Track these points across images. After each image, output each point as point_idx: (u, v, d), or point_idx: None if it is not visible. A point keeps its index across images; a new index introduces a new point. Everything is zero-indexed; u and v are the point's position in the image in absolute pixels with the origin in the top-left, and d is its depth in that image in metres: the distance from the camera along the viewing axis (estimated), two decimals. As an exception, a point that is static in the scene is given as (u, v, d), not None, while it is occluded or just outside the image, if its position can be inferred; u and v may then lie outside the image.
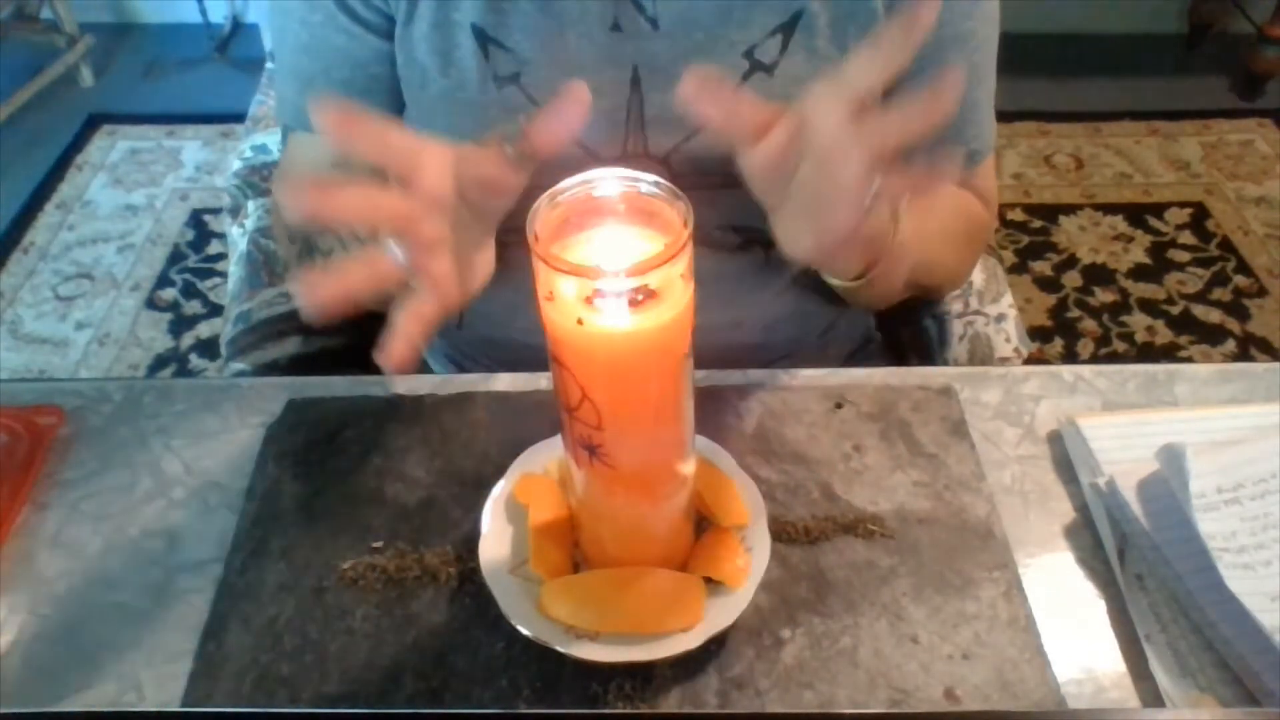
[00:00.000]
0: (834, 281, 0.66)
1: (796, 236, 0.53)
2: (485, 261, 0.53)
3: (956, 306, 0.87)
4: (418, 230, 0.46)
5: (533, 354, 0.67)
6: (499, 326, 0.75)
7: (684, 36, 0.65)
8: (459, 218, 0.48)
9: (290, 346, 0.85)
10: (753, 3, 0.64)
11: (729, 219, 0.70)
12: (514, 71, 0.65)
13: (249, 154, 0.99)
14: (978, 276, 0.88)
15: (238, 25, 2.57)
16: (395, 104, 0.72)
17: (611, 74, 0.65)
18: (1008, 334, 0.85)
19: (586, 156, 0.66)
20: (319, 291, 0.44)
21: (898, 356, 0.90)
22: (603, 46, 0.65)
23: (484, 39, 0.65)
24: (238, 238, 0.95)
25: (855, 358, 0.86)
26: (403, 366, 0.47)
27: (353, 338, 0.90)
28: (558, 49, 0.65)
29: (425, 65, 0.67)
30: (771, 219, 0.54)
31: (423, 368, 0.84)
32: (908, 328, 0.91)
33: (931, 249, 0.69)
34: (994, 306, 0.87)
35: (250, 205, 0.96)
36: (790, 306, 0.76)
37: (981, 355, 0.85)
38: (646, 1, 0.64)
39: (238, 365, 0.85)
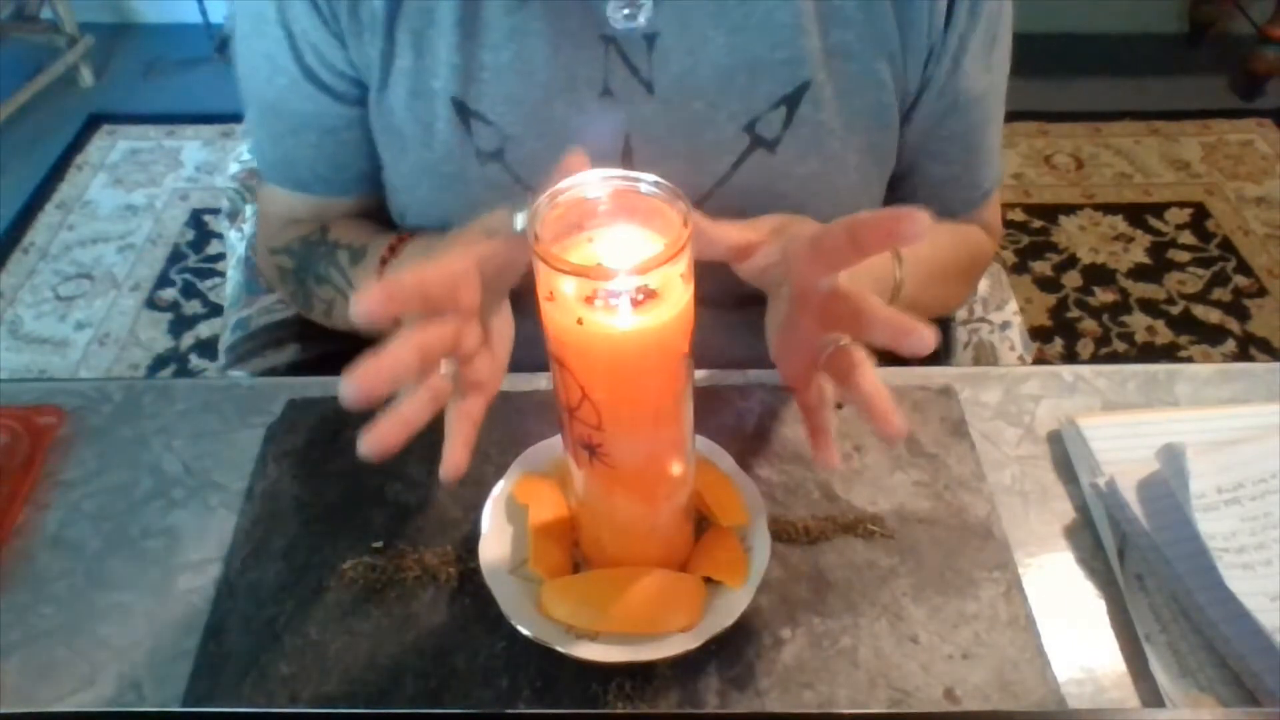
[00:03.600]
0: None
1: (772, 341, 0.53)
2: (507, 324, 0.52)
3: (961, 314, 0.87)
4: (463, 344, 0.46)
5: (523, 355, 0.66)
6: None
7: (681, 104, 0.61)
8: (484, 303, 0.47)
9: (289, 354, 0.85)
10: (756, 70, 0.61)
11: (727, 286, 0.66)
12: (497, 147, 0.62)
13: (246, 157, 0.99)
14: (982, 284, 0.88)
15: (238, 25, 2.57)
16: (373, 163, 0.69)
17: (601, 145, 0.61)
18: (1012, 341, 0.85)
19: None
20: (366, 381, 0.42)
21: (900, 362, 0.90)
22: (592, 114, 0.61)
23: (464, 112, 0.61)
24: (236, 242, 0.94)
25: None
26: (462, 471, 0.47)
27: (351, 344, 0.89)
28: (543, 120, 0.61)
29: (405, 134, 0.64)
30: (768, 304, 0.54)
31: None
32: None
33: (932, 289, 0.69)
34: (998, 314, 0.87)
35: (248, 209, 0.95)
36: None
37: (985, 363, 0.84)
38: (641, 63, 0.60)
39: (236, 373, 0.84)
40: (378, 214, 0.73)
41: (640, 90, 0.61)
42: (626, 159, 0.63)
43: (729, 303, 0.61)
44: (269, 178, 0.72)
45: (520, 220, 0.47)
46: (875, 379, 0.46)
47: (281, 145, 0.69)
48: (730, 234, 0.51)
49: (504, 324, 0.51)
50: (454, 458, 0.47)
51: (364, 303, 0.40)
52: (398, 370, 0.42)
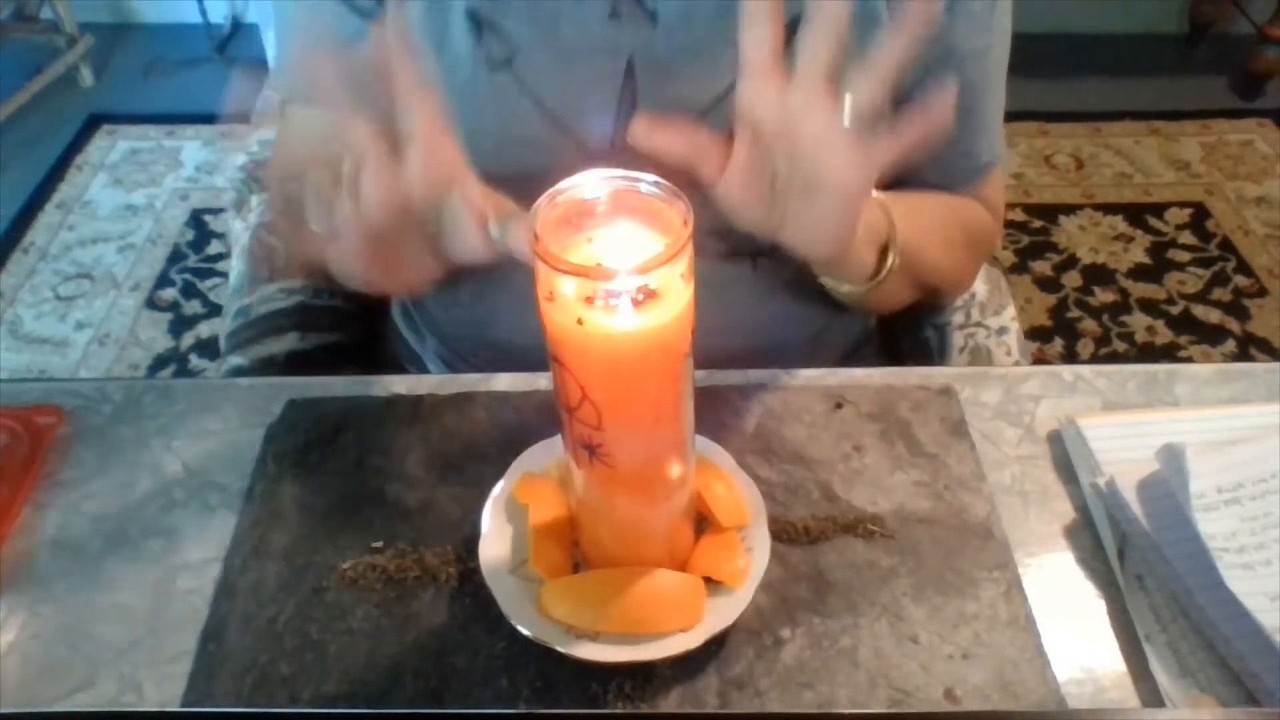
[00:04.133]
0: (846, 288, 0.66)
1: (811, 239, 0.54)
2: (419, 271, 0.55)
3: (958, 318, 0.87)
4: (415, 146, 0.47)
5: (521, 353, 0.67)
6: (484, 327, 0.75)
7: (682, 31, 0.64)
8: (425, 225, 0.49)
9: (288, 342, 0.86)
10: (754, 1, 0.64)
11: (715, 223, 0.68)
12: (507, 56, 0.65)
13: (255, 148, 1.00)
14: (980, 288, 0.88)
15: (238, 25, 2.57)
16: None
17: (605, 63, 0.64)
18: (1009, 347, 0.85)
19: (576, 146, 0.66)
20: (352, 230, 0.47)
21: (895, 363, 0.90)
22: (598, 35, 0.64)
23: (478, 22, 0.64)
24: (240, 231, 0.95)
25: (850, 360, 0.86)
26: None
27: (350, 334, 0.90)
28: (553, 35, 0.64)
29: (418, 46, 0.66)
30: (781, 239, 0.55)
31: (420, 368, 0.84)
32: (908, 336, 0.90)
33: (930, 247, 0.69)
34: (996, 319, 0.87)
35: (254, 200, 0.96)
36: (779, 312, 0.75)
37: (982, 367, 0.84)
38: None
39: (235, 360, 0.85)
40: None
41: (644, 19, 0.64)
42: (629, 78, 0.65)
43: (712, 256, 0.62)
44: (290, 95, 0.75)
45: (495, 229, 0.47)
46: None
47: (305, 61, 0.72)
48: (709, 140, 0.52)
49: (419, 266, 0.54)
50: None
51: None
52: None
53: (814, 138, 0.50)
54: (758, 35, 0.48)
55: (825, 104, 0.49)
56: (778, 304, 0.74)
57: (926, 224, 0.69)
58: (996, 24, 0.68)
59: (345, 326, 0.89)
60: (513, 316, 0.70)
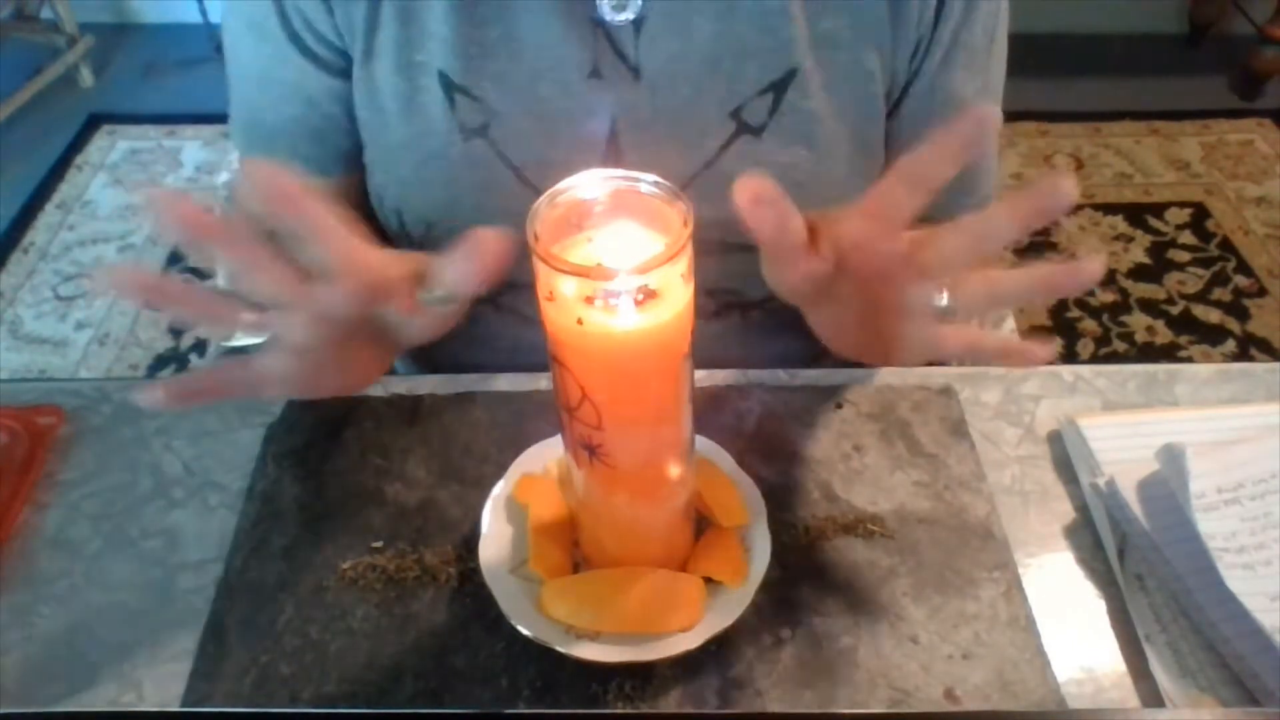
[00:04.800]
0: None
1: (845, 345, 0.51)
2: (366, 371, 0.51)
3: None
4: (304, 321, 0.44)
5: (523, 355, 0.66)
6: (477, 349, 0.71)
7: (668, 90, 0.61)
8: (360, 325, 0.45)
9: None
10: (743, 57, 0.60)
11: (704, 284, 0.64)
12: (482, 123, 0.62)
13: (237, 165, 1.00)
14: None
15: (238, 25, 2.57)
16: (353, 142, 0.68)
17: (587, 126, 0.61)
18: None
19: None
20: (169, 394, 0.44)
21: None
22: (579, 96, 0.61)
23: (450, 87, 0.61)
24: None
25: (851, 363, 0.85)
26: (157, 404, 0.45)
27: None
28: (531, 98, 0.61)
29: (387, 110, 0.63)
30: (806, 314, 0.51)
31: (416, 369, 0.83)
32: None
33: None
34: (994, 324, 0.86)
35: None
36: (770, 355, 0.71)
37: None
38: (629, 49, 0.60)
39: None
40: (358, 205, 0.72)
41: (628, 75, 0.61)
42: (613, 142, 0.62)
43: (703, 314, 0.60)
44: (247, 154, 0.71)
45: (423, 296, 0.44)
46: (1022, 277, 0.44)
47: (263, 120, 0.68)
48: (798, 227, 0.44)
49: (364, 369, 0.51)
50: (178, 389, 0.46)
51: (261, 174, 0.40)
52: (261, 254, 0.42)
53: (903, 299, 0.45)
54: (909, 191, 0.42)
55: (923, 275, 0.45)
56: (770, 350, 0.72)
57: None
58: (994, 55, 0.66)
59: None
60: (506, 337, 0.69)
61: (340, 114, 0.66)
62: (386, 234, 0.69)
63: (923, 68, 0.64)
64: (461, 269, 0.43)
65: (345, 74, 0.64)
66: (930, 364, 0.50)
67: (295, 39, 0.63)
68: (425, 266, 0.45)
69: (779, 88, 0.61)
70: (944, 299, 0.45)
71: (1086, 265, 0.42)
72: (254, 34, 0.64)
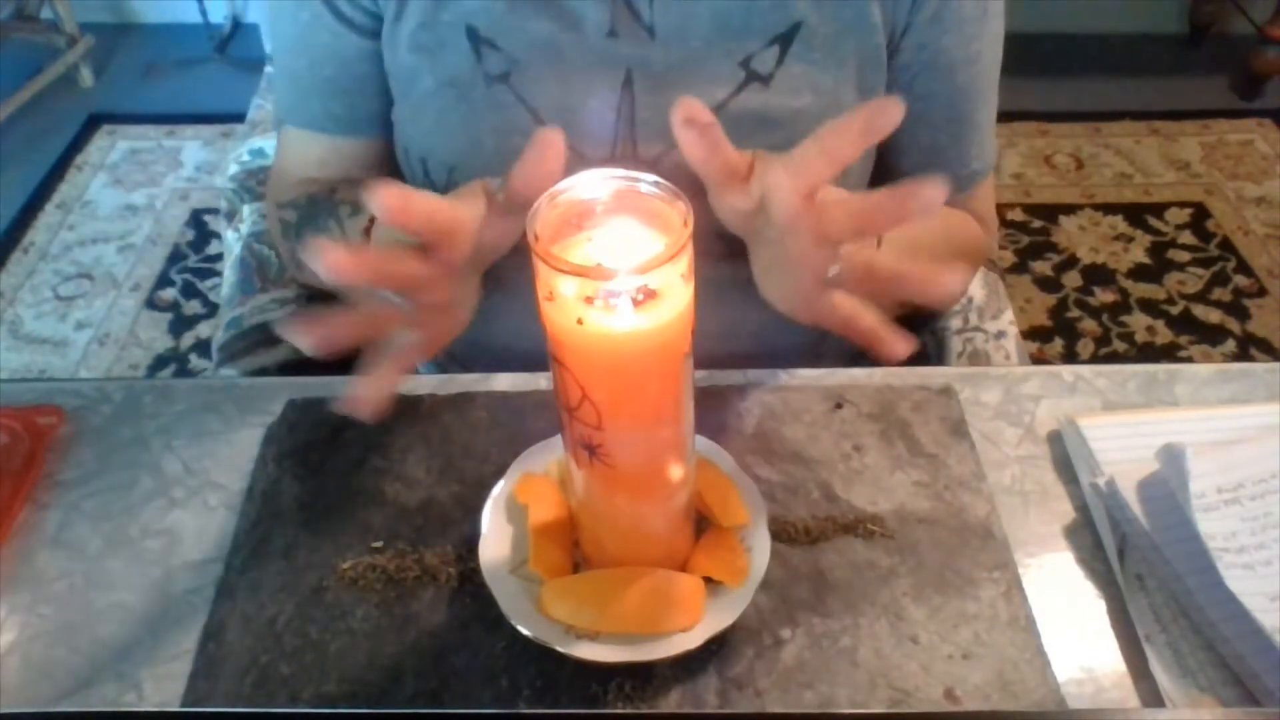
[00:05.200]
0: None
1: (766, 287, 0.56)
2: (471, 299, 0.55)
3: (956, 322, 0.87)
4: (433, 294, 0.48)
5: (517, 356, 0.67)
6: (480, 330, 0.75)
7: (680, 45, 0.64)
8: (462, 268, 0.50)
9: (281, 353, 0.85)
10: (750, 13, 0.64)
11: (715, 225, 0.68)
12: (504, 70, 0.65)
13: (246, 158, 0.99)
14: (978, 292, 0.88)
15: (238, 25, 2.57)
16: (382, 102, 0.72)
17: (604, 76, 0.65)
18: (1007, 351, 0.85)
19: (574, 158, 0.66)
20: (313, 334, 0.46)
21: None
22: (597, 50, 0.64)
23: (477, 39, 0.65)
24: (233, 242, 0.95)
25: (851, 364, 0.85)
26: (369, 412, 0.49)
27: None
28: (551, 51, 0.65)
29: (413, 63, 0.67)
30: (750, 252, 0.56)
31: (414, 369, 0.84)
32: None
33: (920, 256, 0.69)
34: (994, 323, 0.87)
35: (245, 210, 0.96)
36: (780, 314, 0.74)
37: None
38: (644, 9, 0.64)
39: (228, 371, 0.84)
40: (388, 169, 0.76)
41: (643, 34, 0.64)
42: (627, 89, 0.65)
43: (714, 255, 0.63)
44: (286, 119, 0.76)
45: (494, 186, 0.49)
46: (894, 263, 0.49)
47: (299, 83, 0.73)
48: (730, 155, 0.51)
49: (470, 298, 0.54)
50: (370, 394, 0.49)
51: (379, 198, 0.43)
52: (369, 265, 0.46)
53: (799, 254, 0.50)
54: (824, 157, 0.47)
55: (825, 230, 0.49)
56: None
57: (913, 240, 0.68)
58: (988, 30, 0.69)
59: None
60: (512, 320, 0.70)
61: (372, 72, 0.70)
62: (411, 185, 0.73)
63: (914, 21, 0.66)
64: (531, 163, 0.47)
65: (376, 35, 0.69)
66: (816, 327, 0.56)
67: (331, 5, 0.68)
68: (489, 187, 0.50)
69: (785, 40, 0.65)
70: (834, 269, 0.50)
71: (925, 187, 0.45)
72: (295, 2, 0.69)
